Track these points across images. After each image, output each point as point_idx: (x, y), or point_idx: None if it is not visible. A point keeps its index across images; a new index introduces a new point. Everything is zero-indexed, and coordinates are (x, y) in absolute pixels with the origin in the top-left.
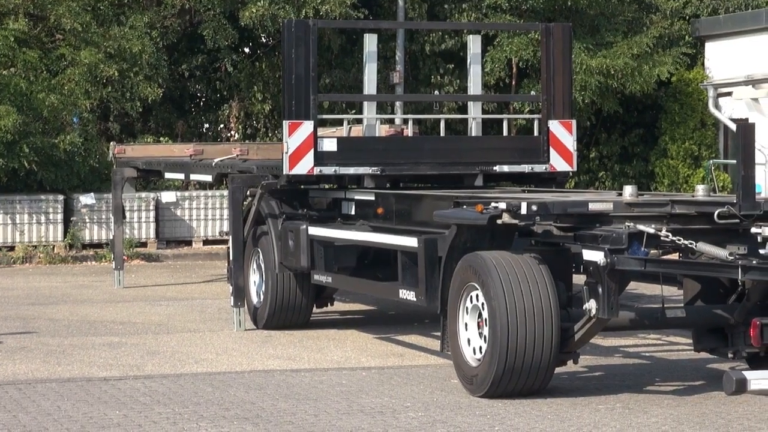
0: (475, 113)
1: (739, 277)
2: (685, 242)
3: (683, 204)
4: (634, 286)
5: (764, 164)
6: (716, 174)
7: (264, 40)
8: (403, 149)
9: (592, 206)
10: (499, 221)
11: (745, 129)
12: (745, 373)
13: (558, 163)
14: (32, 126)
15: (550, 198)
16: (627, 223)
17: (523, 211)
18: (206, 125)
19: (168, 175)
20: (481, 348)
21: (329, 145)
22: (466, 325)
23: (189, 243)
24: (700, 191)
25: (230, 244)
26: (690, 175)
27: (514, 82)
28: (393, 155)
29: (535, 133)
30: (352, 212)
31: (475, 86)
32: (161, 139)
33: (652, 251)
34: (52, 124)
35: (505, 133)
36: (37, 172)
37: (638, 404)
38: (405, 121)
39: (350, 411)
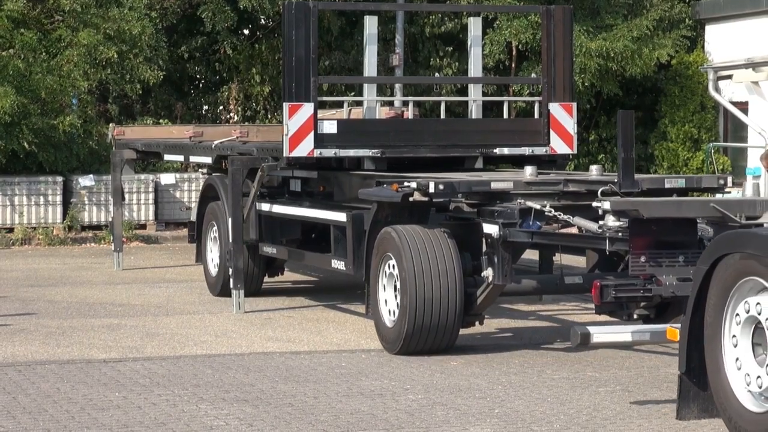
0: (475, 95)
1: (606, 248)
2: (564, 217)
3: (575, 183)
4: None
5: (765, 147)
6: (716, 157)
7: (263, 22)
8: (404, 132)
9: (494, 185)
10: (411, 199)
11: (624, 116)
12: (589, 327)
13: (558, 146)
14: (31, 107)
15: (458, 178)
16: (519, 200)
17: (431, 189)
18: (205, 107)
19: (167, 157)
20: (396, 311)
21: (329, 127)
22: (384, 290)
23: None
24: (594, 171)
25: (193, 219)
26: (690, 158)
27: (513, 65)
28: (393, 138)
29: (536, 116)
30: (299, 189)
31: (475, 68)
32: (160, 120)
33: (547, 225)
34: (51, 105)
35: (505, 115)
36: (37, 153)
37: (638, 387)
38: (405, 104)
39: (350, 393)
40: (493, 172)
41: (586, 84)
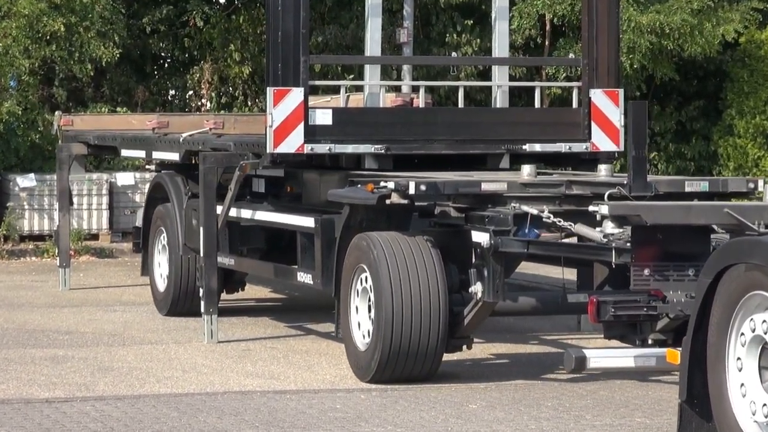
0: (500, 80)
1: (612, 260)
2: (565, 224)
3: (580, 185)
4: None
5: None
6: None
7: None
8: (413, 123)
9: (485, 186)
10: (388, 201)
11: (636, 107)
12: (585, 351)
13: (601, 142)
14: None
15: (444, 177)
16: (513, 204)
17: (411, 190)
18: (172, 92)
19: (125, 153)
20: (370, 332)
21: (323, 117)
22: (356, 308)
23: None
24: (603, 171)
25: (138, 224)
26: (761, 157)
27: (547, 43)
28: (400, 130)
29: (574, 105)
30: (263, 190)
31: (500, 47)
32: (117, 108)
33: (548, 233)
34: None
35: (537, 104)
36: None
37: None
38: (415, 89)
39: None
40: (485, 172)
41: (635, 66)
